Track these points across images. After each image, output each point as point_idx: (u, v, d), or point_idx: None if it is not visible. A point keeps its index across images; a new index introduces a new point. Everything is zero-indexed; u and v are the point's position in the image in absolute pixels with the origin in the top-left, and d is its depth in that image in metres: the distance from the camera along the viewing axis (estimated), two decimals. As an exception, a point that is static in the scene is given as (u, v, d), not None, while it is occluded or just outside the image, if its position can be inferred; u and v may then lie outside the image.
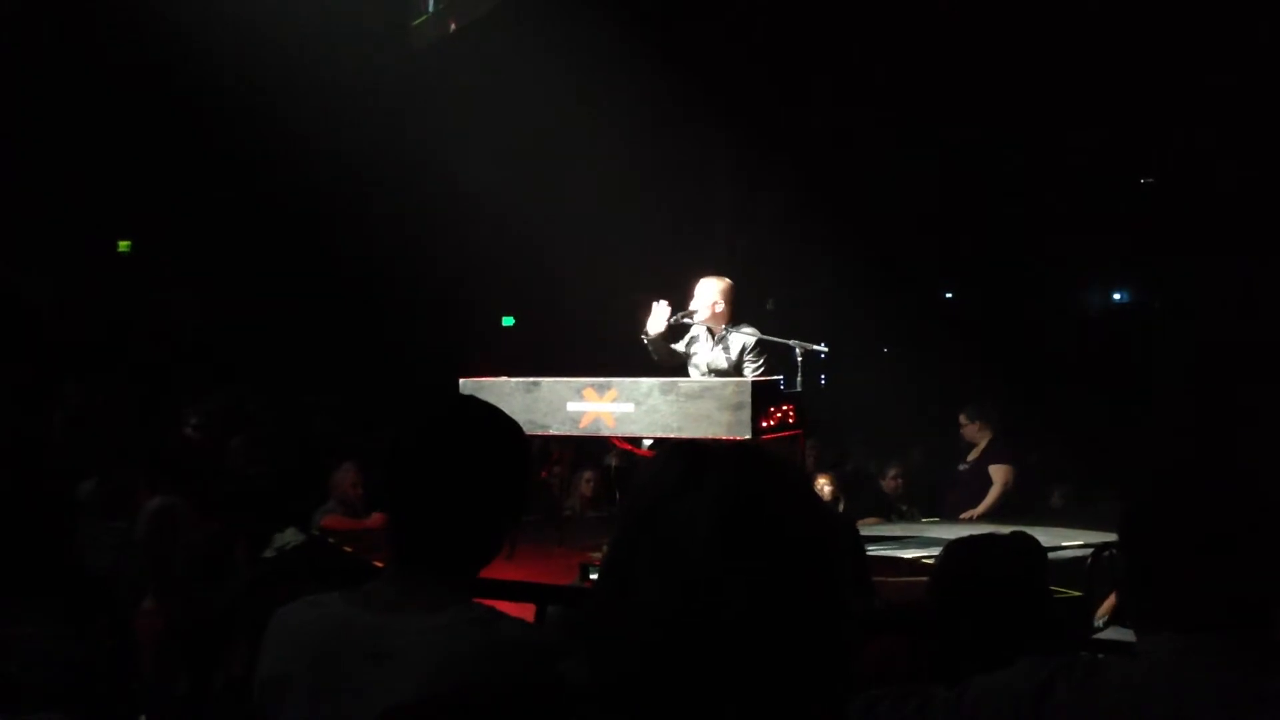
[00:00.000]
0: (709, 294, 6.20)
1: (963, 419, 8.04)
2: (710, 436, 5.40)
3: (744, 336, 6.15)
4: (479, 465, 1.70)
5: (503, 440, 1.75)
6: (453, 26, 11.95)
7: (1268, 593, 1.61)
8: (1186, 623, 1.59)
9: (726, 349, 6.18)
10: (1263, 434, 8.59)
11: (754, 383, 5.55)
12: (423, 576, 1.67)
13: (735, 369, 6.13)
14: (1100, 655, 2.12)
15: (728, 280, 6.29)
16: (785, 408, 5.74)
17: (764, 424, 5.50)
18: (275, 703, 1.65)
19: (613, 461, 8.43)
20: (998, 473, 7.74)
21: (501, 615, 1.67)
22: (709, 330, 6.24)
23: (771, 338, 6.20)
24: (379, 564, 4.90)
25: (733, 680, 0.96)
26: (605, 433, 5.89)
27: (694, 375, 6.20)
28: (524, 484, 1.80)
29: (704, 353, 6.25)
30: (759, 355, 6.15)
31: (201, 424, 9.16)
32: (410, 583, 1.67)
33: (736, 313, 6.28)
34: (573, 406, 5.80)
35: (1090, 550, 5.34)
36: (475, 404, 1.79)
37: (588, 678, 1.03)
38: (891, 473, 8.40)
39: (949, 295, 16.63)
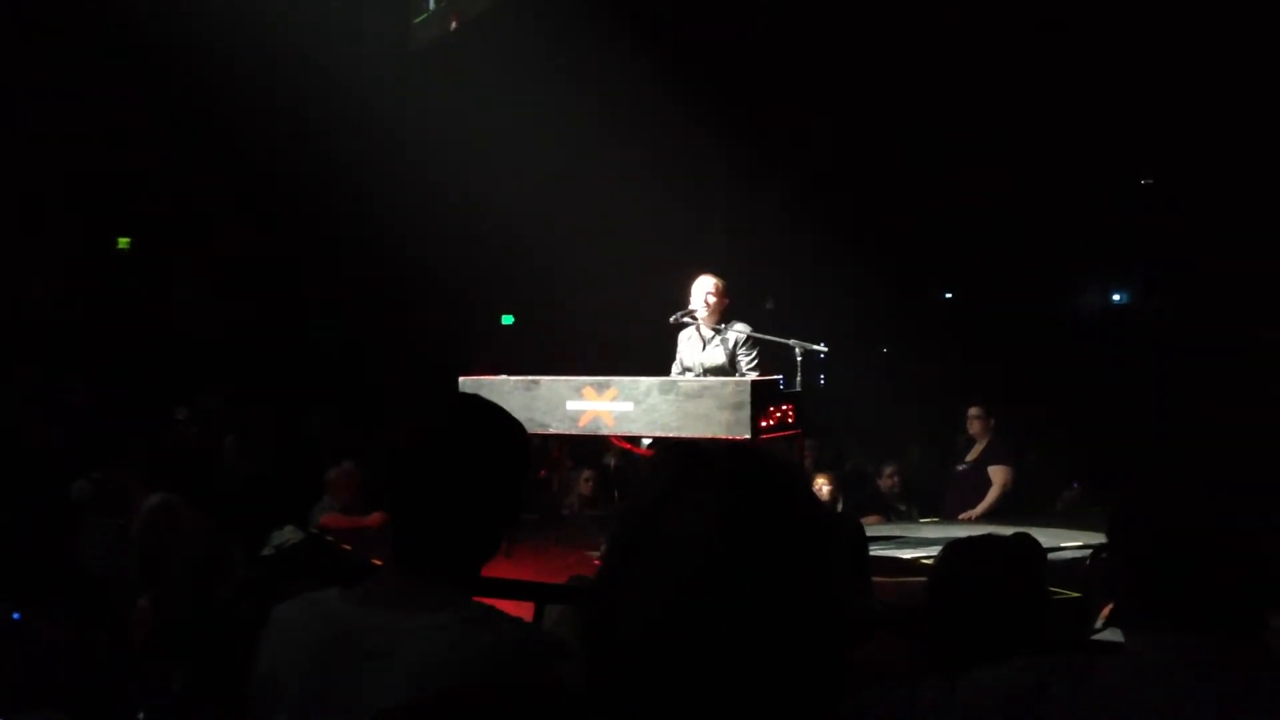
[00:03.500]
0: (709, 288, 6.19)
1: (975, 411, 8.01)
2: (709, 436, 5.40)
3: (736, 333, 6.15)
4: (480, 463, 1.69)
5: (504, 438, 1.74)
6: (453, 24, 11.95)
7: (1258, 594, 1.61)
8: (1178, 624, 1.58)
9: (723, 344, 6.18)
10: (1258, 436, 8.59)
11: (753, 382, 5.54)
12: (423, 574, 1.66)
13: (731, 364, 6.13)
14: (1096, 655, 2.12)
15: (721, 278, 6.29)
16: (784, 407, 5.74)
17: (763, 423, 5.50)
18: (271, 700, 1.64)
19: (612, 461, 8.44)
20: (997, 473, 7.73)
21: (500, 615, 1.66)
22: (699, 331, 6.23)
23: (771, 337, 6.19)
24: (378, 562, 4.90)
25: (728, 682, 0.96)
26: (604, 432, 5.89)
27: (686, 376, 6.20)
28: (525, 482, 1.79)
29: (695, 353, 6.24)
30: (751, 349, 6.16)
31: (195, 421, 9.17)
32: (410, 581, 1.66)
33: (731, 309, 6.28)
34: (572, 405, 5.79)
35: (1089, 551, 5.34)
36: (477, 402, 1.79)
37: (585, 680, 1.02)
38: (888, 471, 8.40)
39: (948, 296, 16.63)
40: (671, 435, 5.55)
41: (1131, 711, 1.53)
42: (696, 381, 5.81)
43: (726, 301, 6.22)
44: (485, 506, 1.70)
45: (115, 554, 4.42)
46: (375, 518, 6.81)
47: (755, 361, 6.14)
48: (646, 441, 6.00)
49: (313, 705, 1.60)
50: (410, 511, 1.69)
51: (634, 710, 0.97)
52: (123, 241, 13.88)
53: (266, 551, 4.31)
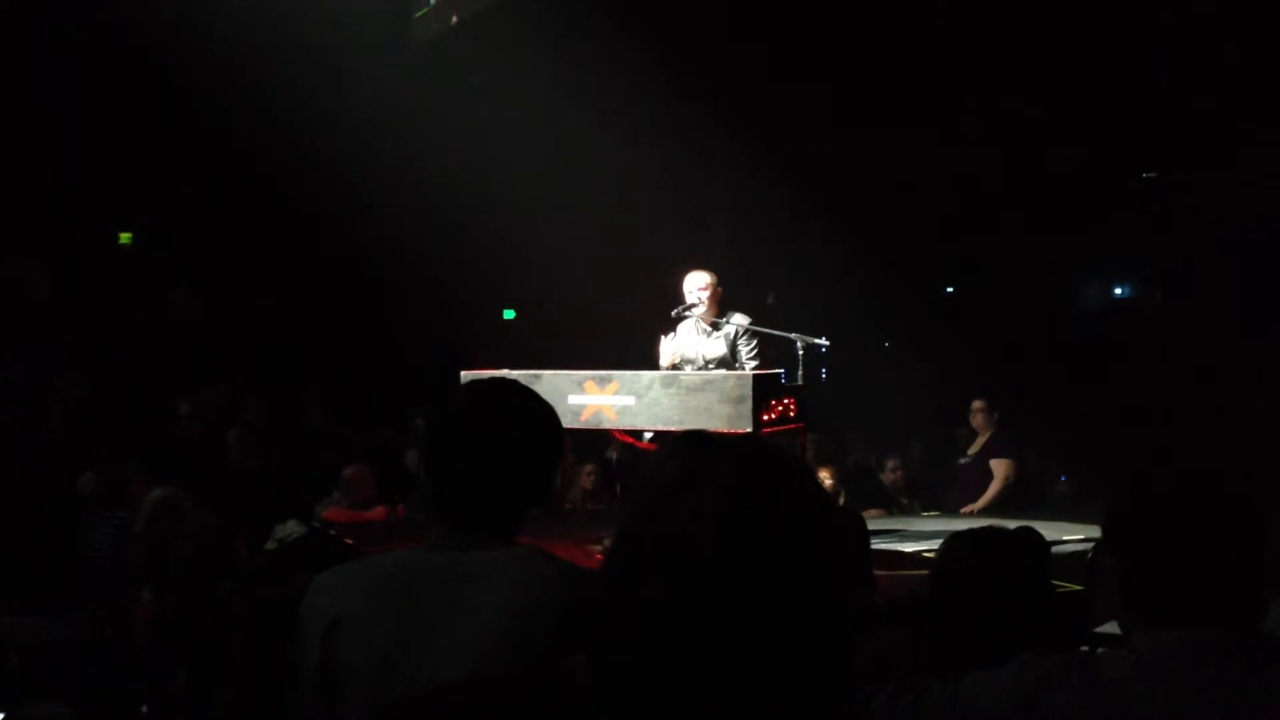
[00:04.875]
0: (705, 280, 6.21)
1: (979, 404, 8.00)
2: (711, 429, 5.38)
3: (735, 324, 6.17)
4: (517, 431, 1.85)
5: (537, 409, 1.91)
6: (454, 20, 11.94)
7: (1257, 588, 1.61)
8: (1179, 620, 1.58)
9: (725, 336, 6.20)
10: (1256, 429, 8.59)
11: (755, 376, 5.54)
12: (472, 531, 1.80)
13: (732, 355, 6.15)
14: (1100, 650, 2.12)
15: (712, 271, 6.32)
16: (786, 401, 5.73)
17: (765, 417, 5.49)
18: (350, 643, 1.72)
19: (614, 454, 8.42)
20: (999, 467, 7.73)
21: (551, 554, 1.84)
22: (698, 323, 6.25)
23: (772, 331, 6.20)
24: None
25: (733, 678, 0.96)
26: (606, 426, 5.88)
27: (687, 370, 6.21)
28: (557, 449, 1.96)
29: (696, 344, 6.26)
30: (751, 339, 6.17)
31: (198, 415, 9.17)
32: (465, 535, 1.80)
33: (734, 303, 6.30)
34: (574, 399, 5.78)
35: (1092, 544, 5.33)
36: (509, 381, 1.96)
37: (590, 674, 1.03)
38: (890, 465, 8.39)
39: (950, 290, 16.62)
40: (673, 429, 5.55)
41: (1135, 708, 1.53)
42: (698, 375, 5.81)
43: (721, 292, 6.25)
44: (523, 471, 1.86)
45: (119, 548, 4.42)
46: (378, 511, 6.82)
47: (755, 351, 6.16)
48: (649, 435, 6.00)
49: (403, 632, 1.70)
50: (457, 477, 1.83)
51: (641, 702, 0.98)
52: (124, 237, 13.88)
53: (269, 545, 4.31)
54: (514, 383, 1.95)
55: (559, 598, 1.65)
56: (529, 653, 1.44)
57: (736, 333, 6.17)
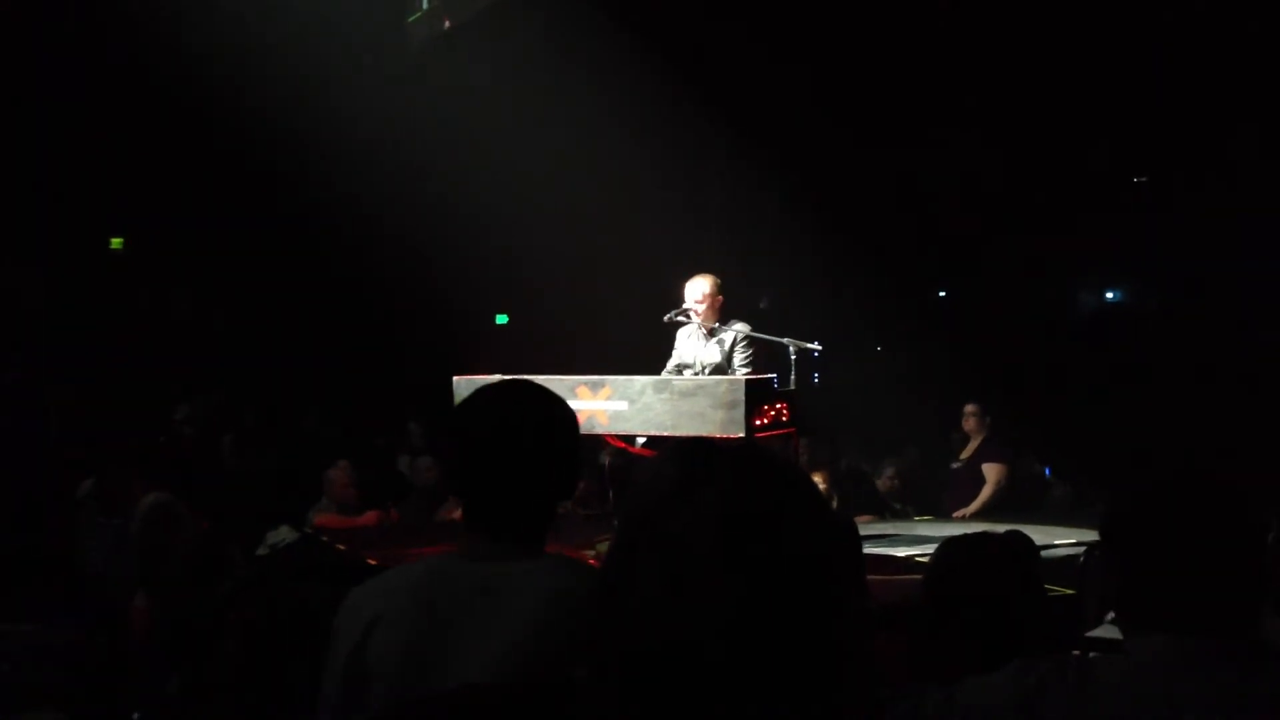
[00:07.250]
0: (703, 290, 6.21)
1: (971, 408, 8.00)
2: (704, 434, 5.40)
3: (735, 331, 6.17)
4: (544, 440, 1.87)
5: (561, 417, 1.92)
6: (447, 24, 11.93)
7: (1254, 593, 1.62)
8: (1175, 624, 1.59)
9: (720, 343, 6.20)
10: (1253, 433, 8.61)
11: (748, 381, 5.55)
12: (500, 540, 1.82)
13: (728, 362, 6.17)
14: (1092, 655, 2.13)
15: (716, 277, 6.31)
16: (779, 406, 5.74)
17: (757, 422, 5.50)
18: (382, 644, 1.74)
19: (606, 460, 8.42)
20: (991, 471, 7.74)
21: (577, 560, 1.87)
22: (698, 328, 6.26)
23: (765, 335, 6.21)
24: (373, 561, 4.90)
25: (733, 680, 0.97)
26: (599, 430, 5.89)
27: (685, 374, 6.22)
28: (579, 455, 1.96)
29: (694, 350, 6.27)
30: (748, 347, 6.19)
31: (193, 420, 9.16)
32: (492, 544, 1.81)
33: (727, 308, 6.30)
34: (567, 404, 5.78)
35: (1083, 549, 5.35)
36: (523, 385, 1.97)
37: (592, 677, 1.03)
38: (889, 473, 8.40)
39: (942, 294, 16.64)
40: (666, 434, 5.56)
41: (1134, 712, 1.54)
42: (691, 380, 5.82)
43: (721, 299, 6.24)
44: (549, 479, 1.87)
45: (115, 553, 4.42)
46: (370, 517, 6.82)
47: (750, 359, 6.17)
48: (641, 440, 6.00)
49: (428, 639, 1.72)
50: (487, 488, 1.84)
51: (642, 705, 0.98)
52: (116, 242, 13.86)
53: (262, 551, 4.31)
54: (528, 386, 1.96)
55: (579, 610, 1.64)
56: (546, 664, 1.45)
57: (735, 340, 6.17)
